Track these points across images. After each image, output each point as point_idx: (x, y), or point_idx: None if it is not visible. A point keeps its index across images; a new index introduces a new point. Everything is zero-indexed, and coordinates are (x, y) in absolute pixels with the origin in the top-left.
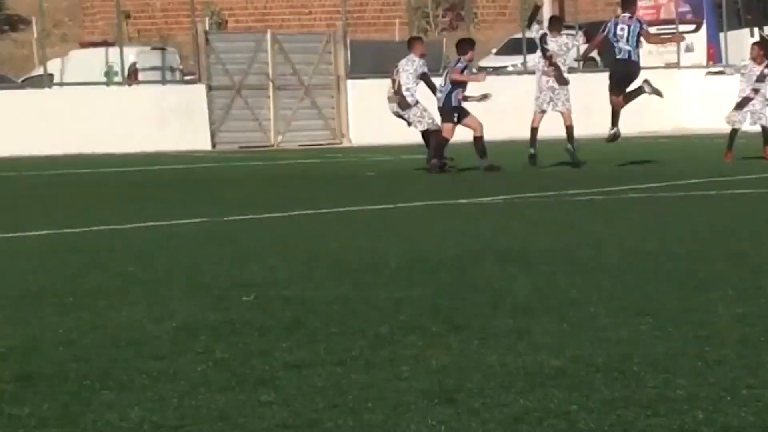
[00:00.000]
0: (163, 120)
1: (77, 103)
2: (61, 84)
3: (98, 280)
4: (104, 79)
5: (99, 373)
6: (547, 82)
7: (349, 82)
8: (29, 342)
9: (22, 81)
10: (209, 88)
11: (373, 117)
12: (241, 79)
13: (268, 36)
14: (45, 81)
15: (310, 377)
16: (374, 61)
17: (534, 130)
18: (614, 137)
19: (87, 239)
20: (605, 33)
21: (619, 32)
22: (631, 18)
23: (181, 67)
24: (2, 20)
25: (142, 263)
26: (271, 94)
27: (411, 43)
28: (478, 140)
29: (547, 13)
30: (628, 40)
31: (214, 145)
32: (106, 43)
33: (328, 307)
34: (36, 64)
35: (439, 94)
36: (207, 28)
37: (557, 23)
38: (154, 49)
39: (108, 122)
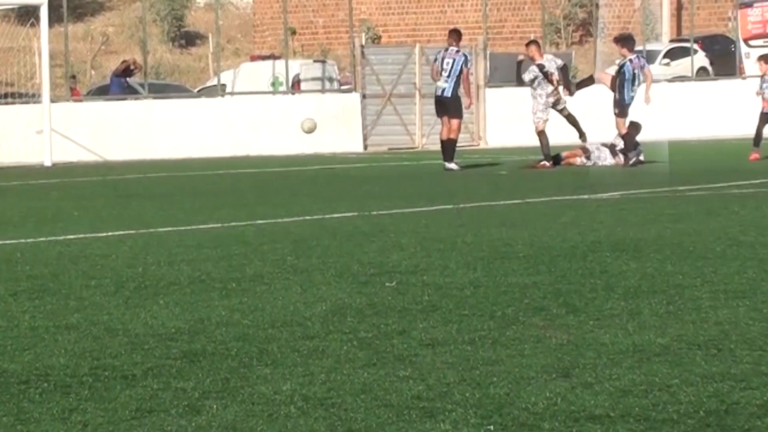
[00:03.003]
0: (322, 125)
1: (247, 110)
2: (232, 93)
3: (258, 267)
4: (271, 89)
5: (256, 351)
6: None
7: (488, 90)
8: (195, 323)
9: (199, 90)
10: (363, 96)
11: (507, 122)
12: (391, 88)
13: (417, 50)
14: (219, 90)
15: (442, 354)
16: (511, 71)
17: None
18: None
19: (249, 231)
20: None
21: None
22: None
23: (339, 77)
24: (182, 36)
25: (297, 253)
26: (417, 101)
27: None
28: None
29: (666, 26)
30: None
31: (365, 147)
32: (273, 57)
33: (460, 291)
34: (211, 75)
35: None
36: (363, 43)
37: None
38: (315, 61)
39: (273, 127)
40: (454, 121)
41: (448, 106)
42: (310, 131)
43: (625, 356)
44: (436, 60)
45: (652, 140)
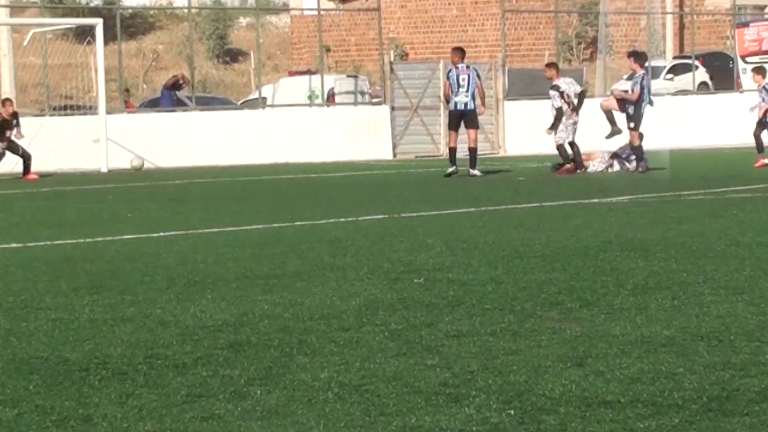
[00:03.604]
0: (354, 134)
1: (285, 121)
2: (272, 106)
3: (297, 265)
4: (308, 102)
5: (296, 342)
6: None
7: (506, 102)
8: (240, 316)
9: (241, 103)
10: (392, 108)
11: (525, 132)
12: (417, 100)
13: (441, 65)
14: (260, 103)
15: (467, 345)
16: (527, 85)
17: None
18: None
19: (289, 232)
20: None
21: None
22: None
23: (369, 91)
24: (226, 53)
25: (333, 251)
26: (441, 113)
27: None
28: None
29: (669, 44)
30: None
31: (394, 155)
32: (309, 72)
33: (483, 287)
34: (253, 89)
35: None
36: (392, 59)
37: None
38: (348, 76)
39: (310, 137)
40: (474, 131)
41: (470, 118)
42: (136, 169)
43: (633, 347)
44: (449, 78)
45: (657, 149)
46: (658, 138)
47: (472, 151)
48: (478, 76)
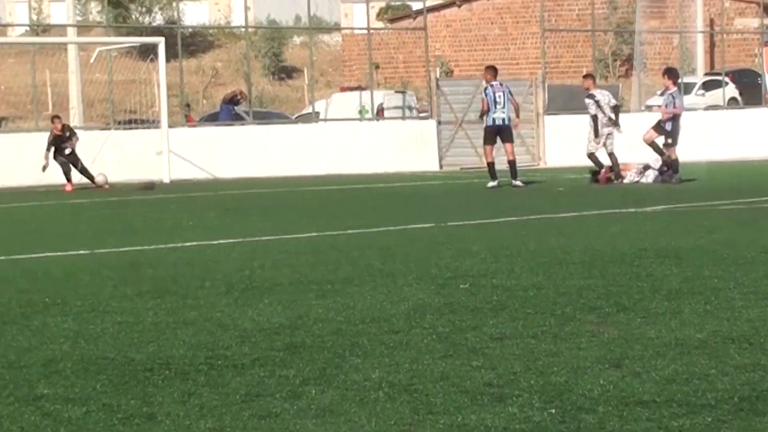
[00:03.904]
0: (402, 147)
1: (337, 134)
2: (325, 120)
3: (349, 271)
4: (358, 116)
5: (349, 344)
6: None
7: (546, 117)
8: (296, 319)
9: (296, 117)
10: (438, 123)
11: (564, 144)
12: (462, 115)
13: (484, 82)
14: (313, 117)
15: (510, 347)
16: (566, 101)
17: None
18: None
19: (342, 240)
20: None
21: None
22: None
23: (417, 106)
24: (281, 70)
25: (383, 258)
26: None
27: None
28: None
29: (701, 61)
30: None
31: (441, 167)
32: (360, 88)
33: (525, 292)
34: (306, 104)
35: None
36: (438, 76)
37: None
38: (396, 92)
39: (360, 149)
40: (511, 145)
41: (506, 133)
42: (103, 184)
43: (668, 349)
44: (486, 95)
45: (692, 161)
46: (691, 150)
47: (512, 163)
48: (511, 93)
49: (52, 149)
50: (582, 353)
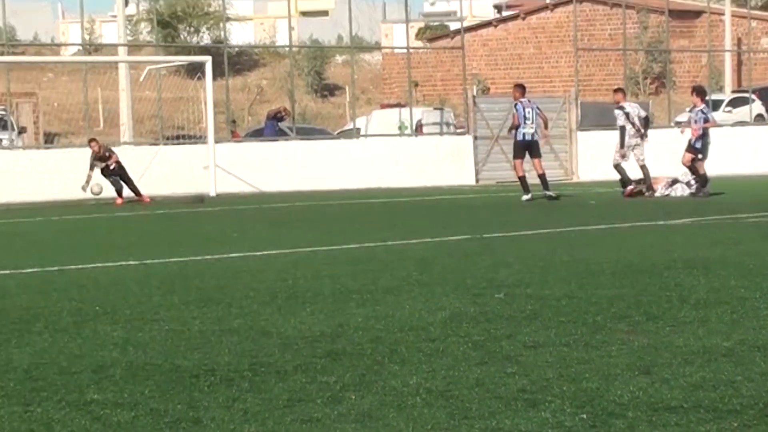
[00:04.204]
0: (440, 162)
1: (378, 149)
2: (366, 135)
3: (388, 281)
4: (398, 132)
5: (387, 351)
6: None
7: (579, 133)
8: (337, 327)
9: (338, 133)
10: (475, 138)
11: (595, 159)
12: (498, 131)
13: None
14: (354, 133)
15: (543, 354)
16: (598, 117)
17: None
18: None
19: (381, 251)
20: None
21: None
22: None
23: (454, 122)
24: (323, 88)
25: (421, 269)
26: None
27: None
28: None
29: (728, 79)
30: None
31: (477, 181)
32: (399, 105)
33: (558, 301)
34: (348, 120)
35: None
36: (474, 93)
37: (621, 92)
38: (435, 109)
39: (400, 164)
40: (539, 159)
41: (535, 148)
42: (96, 194)
43: (696, 357)
44: (517, 111)
45: (717, 175)
46: (719, 165)
47: (542, 176)
48: (539, 109)
49: (97, 169)
50: (612, 360)
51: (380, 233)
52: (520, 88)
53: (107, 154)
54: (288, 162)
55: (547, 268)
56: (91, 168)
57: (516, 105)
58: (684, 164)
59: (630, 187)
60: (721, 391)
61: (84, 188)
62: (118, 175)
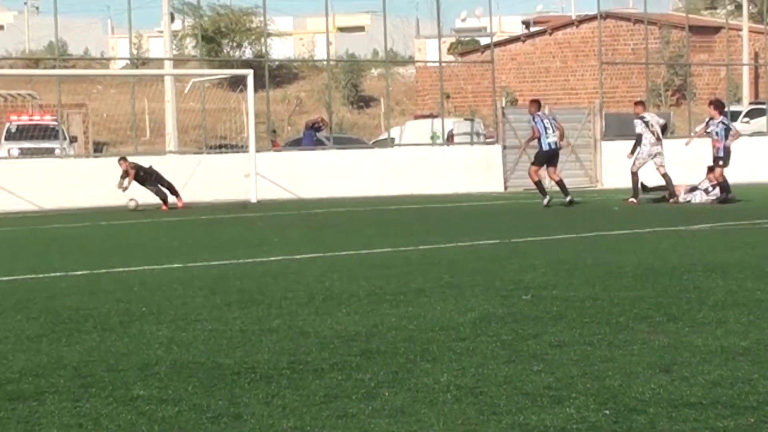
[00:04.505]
0: (471, 170)
1: (411, 158)
2: (400, 145)
3: (420, 283)
4: (430, 141)
5: (420, 350)
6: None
7: (603, 143)
8: (371, 327)
9: (373, 143)
10: (503, 147)
11: (619, 168)
12: (526, 141)
13: (546, 110)
14: (389, 143)
15: (568, 353)
16: (622, 128)
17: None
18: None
19: (414, 255)
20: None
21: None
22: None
23: (484, 132)
24: (359, 99)
25: (451, 272)
26: None
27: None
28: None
29: (746, 91)
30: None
31: (506, 188)
32: (432, 116)
33: (582, 303)
34: (382, 130)
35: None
36: (503, 105)
37: (641, 105)
38: (465, 119)
39: (432, 172)
40: (554, 168)
41: (557, 158)
42: (134, 209)
43: (714, 356)
44: (536, 123)
45: (736, 183)
46: (737, 173)
47: (560, 182)
48: (555, 119)
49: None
50: (634, 359)
51: (413, 238)
52: (536, 104)
53: (141, 174)
54: (325, 170)
55: (572, 271)
56: (123, 176)
57: (534, 118)
58: (717, 179)
59: (632, 200)
60: (739, 388)
61: (125, 189)
62: (155, 182)
